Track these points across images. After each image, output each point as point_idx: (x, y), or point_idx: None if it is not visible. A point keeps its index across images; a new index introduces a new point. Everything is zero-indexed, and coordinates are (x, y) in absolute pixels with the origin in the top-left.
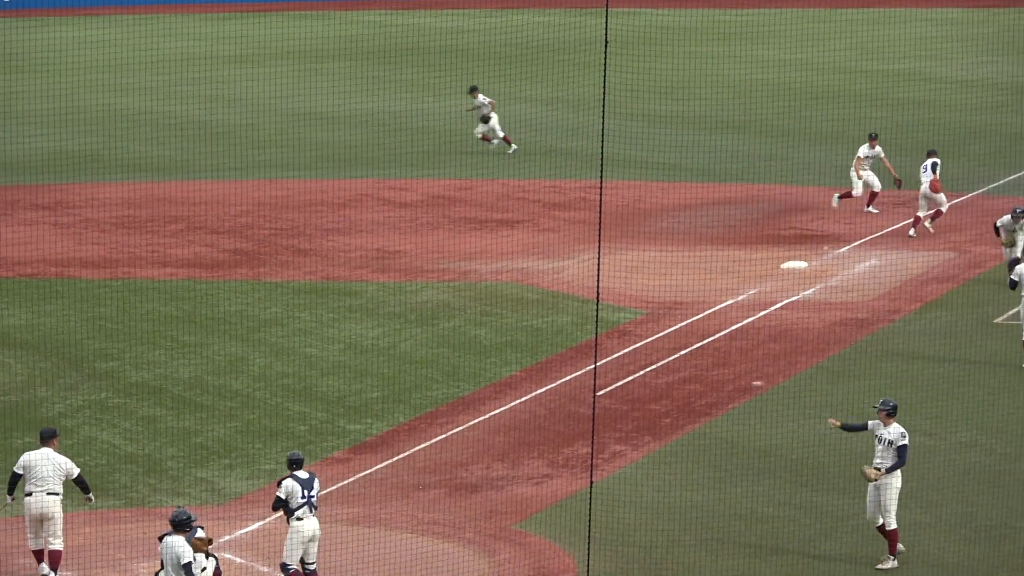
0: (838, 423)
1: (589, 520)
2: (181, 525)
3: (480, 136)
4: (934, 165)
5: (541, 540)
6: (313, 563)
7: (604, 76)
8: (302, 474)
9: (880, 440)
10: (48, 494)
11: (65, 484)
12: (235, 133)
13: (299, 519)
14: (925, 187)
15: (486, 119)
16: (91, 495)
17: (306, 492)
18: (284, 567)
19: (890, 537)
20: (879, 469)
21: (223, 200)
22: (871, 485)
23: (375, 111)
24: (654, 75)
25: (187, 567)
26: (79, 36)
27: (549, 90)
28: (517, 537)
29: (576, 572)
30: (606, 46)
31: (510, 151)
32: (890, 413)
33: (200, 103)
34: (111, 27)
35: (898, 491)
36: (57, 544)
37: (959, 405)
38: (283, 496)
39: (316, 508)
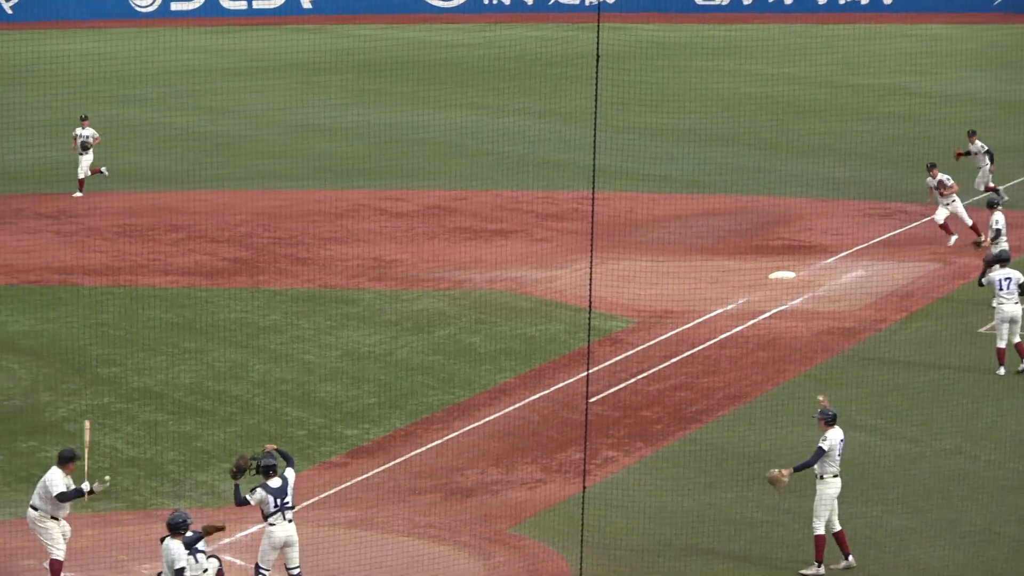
0: (825, 400)
1: (582, 524)
2: (176, 528)
3: (91, 171)
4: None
5: (535, 543)
6: (296, 568)
7: (596, 89)
8: (274, 482)
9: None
10: (30, 507)
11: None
12: (235, 144)
13: (272, 524)
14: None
15: (86, 147)
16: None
17: (278, 500)
18: (257, 568)
19: (816, 543)
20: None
21: (223, 209)
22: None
23: (371, 123)
24: (645, 89)
25: (179, 572)
26: (83, 49)
27: (542, 103)
28: (511, 540)
29: (569, 575)
30: (598, 60)
31: (74, 197)
32: (828, 422)
33: (200, 114)
34: (114, 40)
35: (830, 498)
36: (54, 554)
37: (944, 413)
38: (254, 504)
39: (291, 509)
